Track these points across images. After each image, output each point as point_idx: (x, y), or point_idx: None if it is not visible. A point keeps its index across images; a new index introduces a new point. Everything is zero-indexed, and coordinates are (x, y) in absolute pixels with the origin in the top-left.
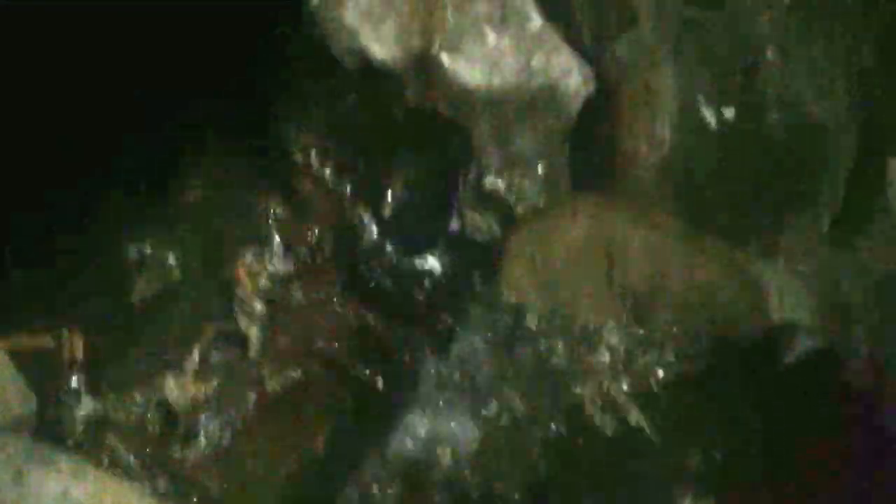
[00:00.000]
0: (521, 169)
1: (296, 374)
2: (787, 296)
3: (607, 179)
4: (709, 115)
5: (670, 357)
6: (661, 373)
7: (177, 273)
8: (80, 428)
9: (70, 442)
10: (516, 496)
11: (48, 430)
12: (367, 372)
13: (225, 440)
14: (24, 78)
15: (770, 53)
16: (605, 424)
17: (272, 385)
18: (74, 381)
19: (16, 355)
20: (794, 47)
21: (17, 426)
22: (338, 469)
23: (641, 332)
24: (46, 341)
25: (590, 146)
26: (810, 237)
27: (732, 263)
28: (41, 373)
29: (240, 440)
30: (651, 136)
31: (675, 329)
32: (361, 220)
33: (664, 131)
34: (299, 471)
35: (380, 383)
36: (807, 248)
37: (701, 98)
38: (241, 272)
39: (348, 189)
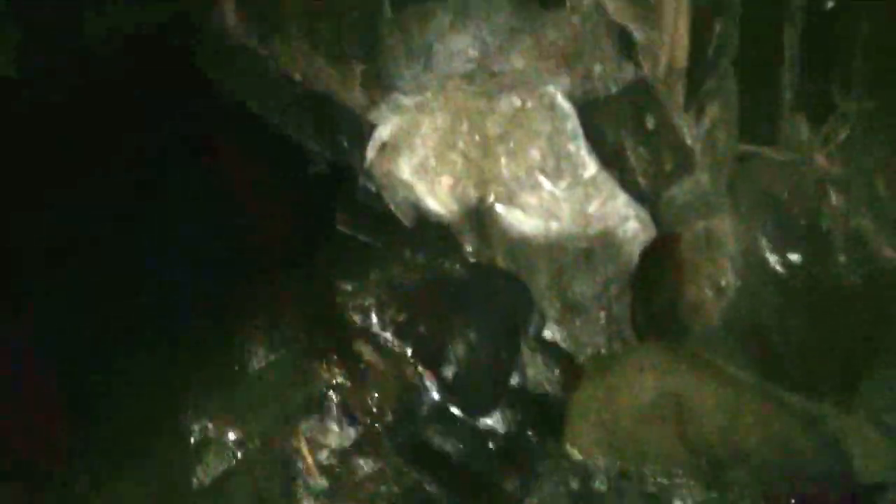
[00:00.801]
0: (582, 317)
1: None
2: (872, 453)
3: (672, 328)
4: (773, 260)
5: None
6: None
7: (238, 453)
8: None
9: None
10: None
11: None
12: None
13: None
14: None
15: (831, 191)
16: None
17: None
18: None
19: None
20: (855, 182)
21: None
22: None
23: (716, 493)
24: None
25: (652, 293)
26: (893, 388)
27: (810, 418)
28: None
29: None
30: (715, 283)
31: (752, 489)
32: (422, 383)
33: (728, 277)
34: None
35: None
36: (890, 400)
37: (763, 242)
38: (303, 445)
39: (408, 350)
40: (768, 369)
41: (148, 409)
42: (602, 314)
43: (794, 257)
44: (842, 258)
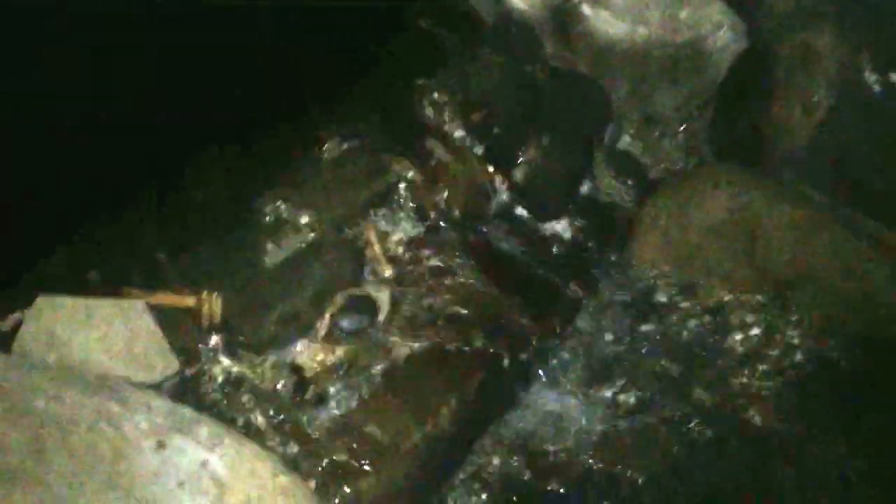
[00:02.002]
0: (661, 131)
1: (423, 343)
2: None
3: (753, 148)
4: (872, 81)
5: (811, 344)
6: (799, 359)
7: (310, 236)
8: (217, 388)
9: (209, 402)
10: (639, 481)
11: (189, 390)
12: (493, 343)
13: (352, 408)
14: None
15: None
16: (737, 411)
17: (399, 353)
18: (213, 342)
19: (160, 318)
20: None
21: (160, 387)
22: (460, 442)
23: (782, 314)
24: (188, 301)
25: (737, 110)
26: None
27: (883, 247)
28: (183, 336)
29: (367, 409)
30: (807, 101)
31: (819, 314)
32: (492, 184)
33: (822, 96)
34: (424, 442)
35: (505, 355)
36: None
37: (865, 61)
38: (372, 234)
39: (480, 152)
40: (851, 195)
41: (226, 191)
42: (682, 128)
43: None
44: None
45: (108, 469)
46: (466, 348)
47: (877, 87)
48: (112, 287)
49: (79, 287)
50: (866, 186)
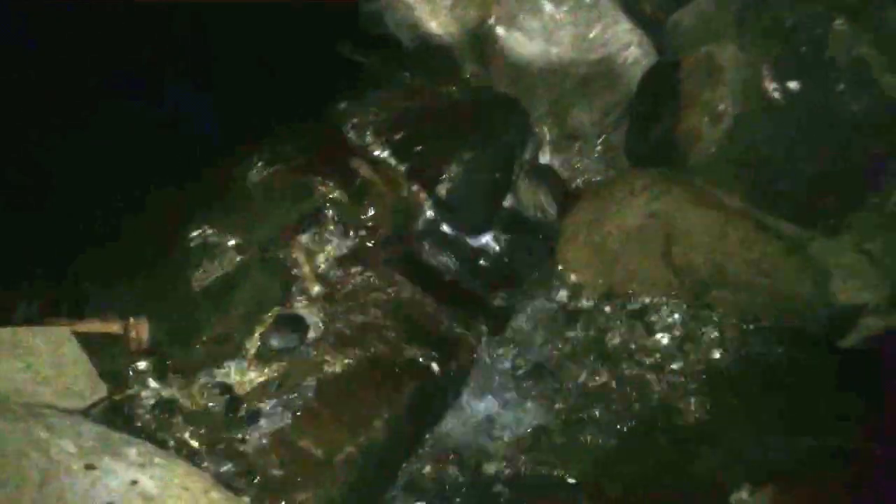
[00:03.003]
0: (579, 144)
1: (354, 356)
2: (852, 276)
3: (667, 156)
4: (774, 89)
5: (730, 338)
6: (719, 355)
7: (237, 258)
8: (147, 411)
9: (139, 425)
10: (571, 480)
11: (119, 414)
12: (424, 353)
13: (286, 424)
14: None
15: (839, 21)
16: (662, 407)
17: (331, 369)
18: (142, 366)
19: (88, 344)
20: (860, 8)
21: (89, 413)
22: (395, 452)
23: (701, 312)
24: (115, 327)
25: (650, 121)
26: (879, 214)
27: (796, 243)
28: (111, 361)
29: (300, 425)
30: (713, 111)
31: (735, 310)
32: (417, 200)
33: (727, 105)
34: (358, 454)
35: (435, 364)
36: (875, 225)
37: (766, 70)
38: (300, 254)
39: (404, 168)
40: (759, 196)
41: (152, 216)
42: (599, 141)
43: (795, 86)
44: (843, 89)
45: (36, 494)
46: (397, 360)
47: (778, 95)
48: (38, 316)
49: (3, 317)
50: (774, 187)
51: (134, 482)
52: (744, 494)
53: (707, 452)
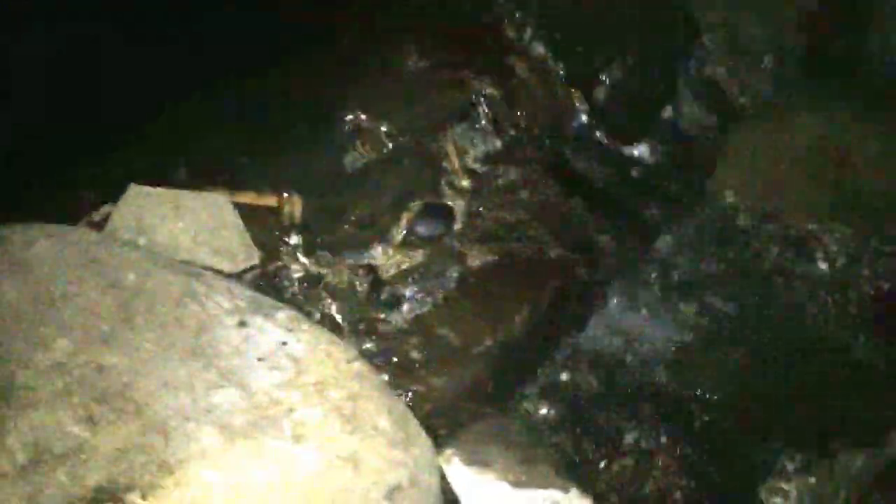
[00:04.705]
0: (748, 59)
1: (498, 251)
2: None
3: (846, 76)
4: None
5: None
6: (885, 288)
7: (389, 145)
8: (295, 283)
9: (287, 295)
10: (708, 400)
11: (269, 283)
12: (568, 256)
13: (426, 311)
14: None
15: None
16: (814, 338)
17: (473, 261)
18: (292, 241)
19: (244, 213)
20: None
21: (243, 277)
22: (532, 351)
23: (869, 244)
24: (270, 200)
25: (830, 35)
26: None
27: None
28: (264, 233)
29: (440, 313)
30: None
31: None
32: (573, 104)
33: None
34: (496, 347)
35: (581, 270)
36: None
37: None
38: (451, 147)
39: (562, 71)
40: None
41: (308, 98)
42: (771, 57)
43: None
44: None
45: (193, 340)
46: (540, 260)
47: None
48: (198, 184)
49: (166, 183)
50: None
51: (283, 343)
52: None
53: (852, 389)
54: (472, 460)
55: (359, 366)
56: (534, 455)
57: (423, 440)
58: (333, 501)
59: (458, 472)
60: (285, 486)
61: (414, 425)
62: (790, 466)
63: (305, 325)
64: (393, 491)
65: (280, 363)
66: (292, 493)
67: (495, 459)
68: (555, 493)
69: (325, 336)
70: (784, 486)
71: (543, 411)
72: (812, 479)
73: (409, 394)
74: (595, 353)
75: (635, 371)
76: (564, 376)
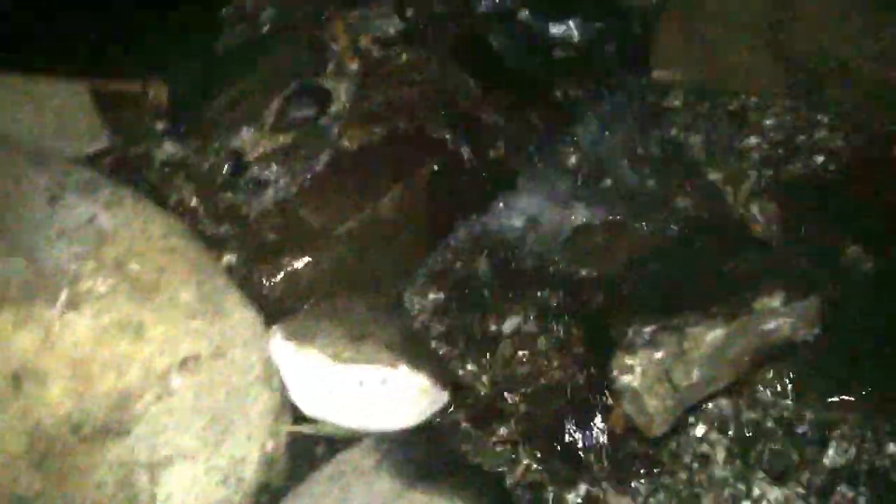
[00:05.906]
0: None
1: (377, 134)
2: None
3: None
4: None
5: (838, 142)
6: (821, 162)
7: (270, 25)
8: (156, 169)
9: (145, 182)
10: (607, 283)
11: (128, 168)
12: (455, 136)
13: (290, 193)
14: None
15: None
16: (727, 214)
17: (349, 144)
18: (157, 126)
19: (108, 100)
20: None
21: (98, 162)
22: (409, 234)
23: (810, 113)
24: (133, 86)
25: None
26: None
27: None
28: (126, 119)
29: (304, 195)
30: None
31: (853, 111)
32: None
33: None
34: (359, 229)
35: (466, 149)
36: None
37: None
38: (340, 28)
39: None
40: None
41: None
42: None
43: None
44: None
45: None
46: (420, 138)
47: None
48: (55, 68)
49: (23, 65)
50: None
51: (92, 217)
52: (774, 302)
53: (754, 260)
54: (295, 335)
55: (175, 241)
56: (369, 332)
57: (242, 315)
58: (107, 366)
59: (278, 346)
60: (49, 350)
61: (233, 300)
62: (638, 341)
63: (129, 203)
64: (186, 360)
65: (82, 236)
66: (57, 357)
67: (323, 336)
68: (383, 370)
69: (147, 213)
70: (629, 361)
71: (431, 297)
72: (658, 354)
73: (260, 275)
74: (493, 238)
75: (530, 255)
76: (457, 263)
